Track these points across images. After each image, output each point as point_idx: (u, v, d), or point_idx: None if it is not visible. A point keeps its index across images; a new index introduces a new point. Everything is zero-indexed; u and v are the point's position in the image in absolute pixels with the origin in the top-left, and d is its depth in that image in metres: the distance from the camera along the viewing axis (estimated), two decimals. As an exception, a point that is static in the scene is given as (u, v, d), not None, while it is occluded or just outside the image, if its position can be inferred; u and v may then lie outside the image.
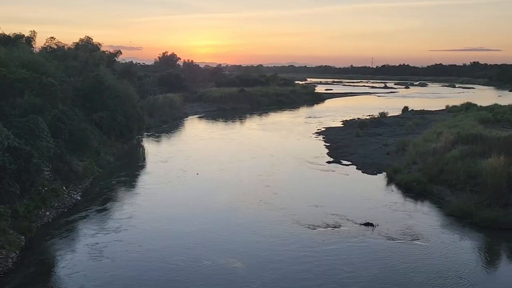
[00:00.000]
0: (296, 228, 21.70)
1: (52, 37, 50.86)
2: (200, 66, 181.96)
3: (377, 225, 22.01)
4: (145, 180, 31.47)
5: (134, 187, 29.52)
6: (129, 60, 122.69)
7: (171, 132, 52.88)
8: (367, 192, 28.28)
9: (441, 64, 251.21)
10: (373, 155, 38.10)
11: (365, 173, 33.06)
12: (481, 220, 22.14)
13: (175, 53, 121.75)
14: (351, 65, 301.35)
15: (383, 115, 65.61)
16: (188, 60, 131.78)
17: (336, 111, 79.01)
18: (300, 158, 37.65)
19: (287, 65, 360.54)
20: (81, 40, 53.31)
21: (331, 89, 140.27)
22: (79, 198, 25.91)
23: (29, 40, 47.79)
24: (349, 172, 33.32)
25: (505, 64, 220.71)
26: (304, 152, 40.23)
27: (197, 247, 19.67)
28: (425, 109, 76.33)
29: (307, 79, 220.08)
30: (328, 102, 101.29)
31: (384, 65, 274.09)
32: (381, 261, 18.37)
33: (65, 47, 51.53)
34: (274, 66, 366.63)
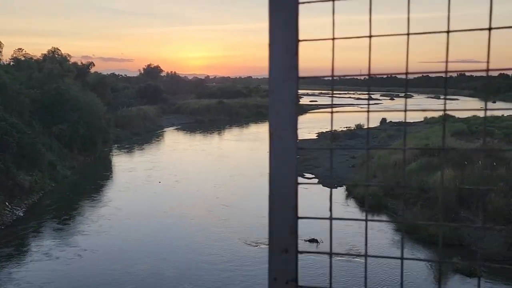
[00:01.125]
0: (236, 244, 21.03)
1: (19, 49, 50.31)
2: (186, 77, 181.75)
3: (322, 242, 21.38)
4: (101, 191, 30.89)
5: (87, 200, 28.72)
6: (112, 72, 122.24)
7: (141, 144, 52.13)
8: (322, 206, 27.53)
9: (428, 76, 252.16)
10: (339, 168, 37.53)
11: (326, 186, 32.43)
12: (428, 236, 21.54)
13: (159, 65, 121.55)
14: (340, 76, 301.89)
15: (359, 127, 65.28)
16: (172, 72, 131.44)
17: (315, 123, 78.48)
18: (263, 170, 36.96)
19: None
20: (49, 51, 52.62)
21: (316, 101, 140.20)
22: (21, 214, 25.10)
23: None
24: (309, 186, 32.69)
25: (491, 76, 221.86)
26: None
27: (136, 254, 19.68)
28: (404, 120, 76.29)
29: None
30: (310, 114, 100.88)
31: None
32: (314, 279, 17.69)
33: (33, 59, 50.95)
34: (263, 78, 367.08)
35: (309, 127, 71.21)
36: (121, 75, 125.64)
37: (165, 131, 65.26)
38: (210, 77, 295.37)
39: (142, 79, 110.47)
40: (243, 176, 35.05)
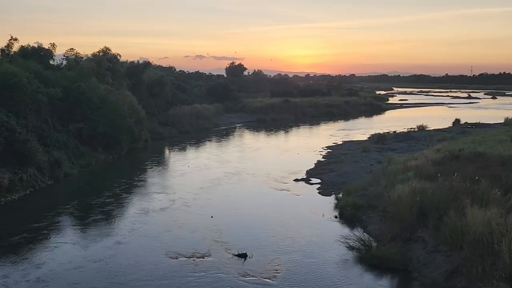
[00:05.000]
0: (156, 255, 19.57)
1: (71, 48, 52.37)
2: (286, 75, 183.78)
3: (251, 257, 19.29)
4: (103, 190, 30.84)
5: (71, 202, 28.28)
6: (197, 70, 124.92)
7: (182, 143, 52.04)
8: (291, 217, 25.06)
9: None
10: (354, 173, 34.50)
11: (321, 194, 29.80)
12: (371, 257, 18.63)
13: (242, 63, 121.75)
14: (446, 74, 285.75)
15: (421, 128, 60.60)
16: (257, 70, 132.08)
17: (382, 123, 74.54)
18: (272, 173, 35.06)
19: (379, 74, 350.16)
20: (100, 50, 54.10)
21: (406, 99, 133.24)
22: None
23: (48, 52, 49.76)
24: (303, 192, 30.20)
25: None
26: (285, 167, 37.47)
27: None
28: (485, 122, 69.62)
29: (394, 88, 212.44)
30: (388, 113, 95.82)
31: (482, 74, 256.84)
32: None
33: (83, 57, 52.93)
34: (368, 76, 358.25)
35: (369, 127, 67.56)
36: (205, 73, 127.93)
37: (218, 130, 64.83)
38: (310, 75, 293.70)
39: (220, 78, 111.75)
40: (241, 181, 33.66)
